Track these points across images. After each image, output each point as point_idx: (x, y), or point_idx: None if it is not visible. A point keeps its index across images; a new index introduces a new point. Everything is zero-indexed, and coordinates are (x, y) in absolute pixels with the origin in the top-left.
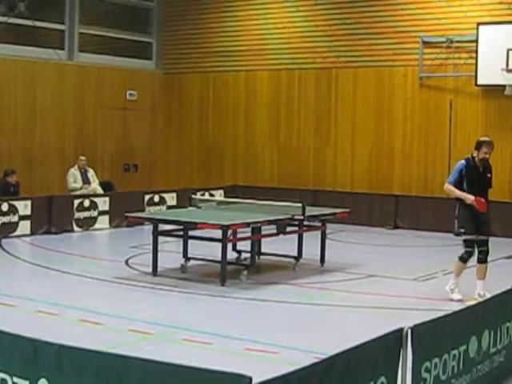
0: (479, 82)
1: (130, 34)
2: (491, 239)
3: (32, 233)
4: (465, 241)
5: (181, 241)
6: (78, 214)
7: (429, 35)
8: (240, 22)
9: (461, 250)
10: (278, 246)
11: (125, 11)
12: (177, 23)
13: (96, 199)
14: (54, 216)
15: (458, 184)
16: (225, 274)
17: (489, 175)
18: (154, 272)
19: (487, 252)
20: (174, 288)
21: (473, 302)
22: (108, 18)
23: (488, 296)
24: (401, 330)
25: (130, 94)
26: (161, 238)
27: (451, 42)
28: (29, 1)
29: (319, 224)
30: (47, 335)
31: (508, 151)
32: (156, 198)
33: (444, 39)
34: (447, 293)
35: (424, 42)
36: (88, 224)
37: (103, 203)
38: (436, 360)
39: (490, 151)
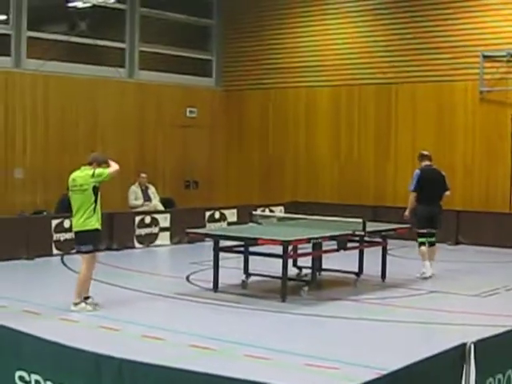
0: None
1: (190, 52)
2: None
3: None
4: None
5: (241, 257)
6: (139, 231)
7: (489, 49)
8: (300, 38)
9: None
10: (338, 262)
11: (185, 28)
12: (236, 40)
13: (157, 216)
14: (116, 232)
15: None
16: (285, 289)
17: None
18: (215, 288)
19: None
20: (235, 304)
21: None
22: (168, 35)
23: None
24: (464, 345)
25: (190, 112)
26: (221, 255)
27: (511, 55)
28: (90, 20)
29: (380, 240)
30: (109, 350)
31: None
32: (217, 215)
33: (504, 53)
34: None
35: (484, 57)
36: (149, 240)
37: (164, 220)
38: (499, 376)
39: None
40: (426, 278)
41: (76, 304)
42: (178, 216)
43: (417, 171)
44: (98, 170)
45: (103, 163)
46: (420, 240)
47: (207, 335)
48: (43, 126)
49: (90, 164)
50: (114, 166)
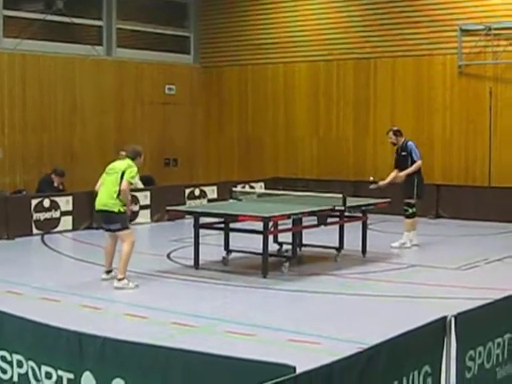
0: None
1: (168, 29)
2: None
3: (74, 228)
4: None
5: (222, 234)
6: None
7: (467, 23)
8: (277, 13)
9: None
10: (319, 237)
11: (162, 6)
12: (214, 16)
13: (137, 194)
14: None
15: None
16: (266, 266)
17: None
18: (196, 265)
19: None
20: (217, 281)
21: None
22: (145, 12)
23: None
24: (444, 318)
25: (169, 89)
26: (202, 231)
27: (489, 29)
28: None
29: (360, 214)
30: (92, 329)
31: None
32: (197, 192)
33: (482, 27)
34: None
35: (462, 30)
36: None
37: (144, 198)
38: (480, 348)
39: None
40: (406, 248)
41: (120, 280)
42: (158, 194)
43: (410, 142)
44: (132, 170)
45: (138, 156)
46: (414, 210)
47: (189, 312)
48: (21, 105)
49: (133, 159)
50: (126, 188)
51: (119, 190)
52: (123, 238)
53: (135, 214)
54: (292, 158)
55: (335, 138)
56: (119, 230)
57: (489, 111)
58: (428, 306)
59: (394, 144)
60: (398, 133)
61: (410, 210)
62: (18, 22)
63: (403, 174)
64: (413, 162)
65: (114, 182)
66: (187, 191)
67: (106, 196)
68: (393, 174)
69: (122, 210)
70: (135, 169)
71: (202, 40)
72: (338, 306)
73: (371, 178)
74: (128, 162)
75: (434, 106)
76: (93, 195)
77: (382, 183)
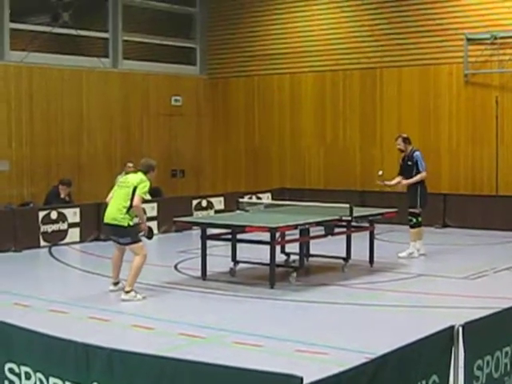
0: None
1: (174, 40)
2: None
3: (81, 240)
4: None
5: (229, 244)
6: None
7: (473, 32)
8: (284, 24)
9: None
10: (326, 247)
11: (168, 17)
12: (220, 28)
13: (144, 205)
14: (102, 223)
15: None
16: (274, 276)
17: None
18: (204, 276)
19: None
20: (224, 292)
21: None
22: (151, 24)
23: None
24: (452, 327)
25: (175, 100)
26: (209, 243)
27: (495, 38)
28: (73, 10)
29: (367, 224)
30: (99, 340)
31: None
32: (204, 203)
33: (488, 35)
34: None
35: (468, 39)
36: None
37: (151, 209)
38: (488, 358)
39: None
40: (413, 258)
41: (127, 292)
42: (165, 205)
43: (417, 152)
44: (144, 185)
45: (151, 170)
46: (419, 219)
47: (196, 323)
48: (28, 117)
49: (145, 173)
50: (138, 204)
51: (130, 205)
52: (136, 251)
53: (152, 232)
54: (299, 168)
55: (342, 148)
56: (130, 243)
57: (495, 120)
58: (436, 316)
59: (402, 151)
60: (406, 140)
61: (415, 220)
62: (24, 35)
63: (406, 182)
64: (418, 172)
65: (125, 196)
66: (194, 202)
67: (116, 210)
68: (398, 179)
69: (131, 223)
70: (147, 183)
71: (208, 51)
72: (346, 317)
73: (380, 172)
74: (141, 176)
75: (440, 115)
76: (100, 207)
77: (388, 182)
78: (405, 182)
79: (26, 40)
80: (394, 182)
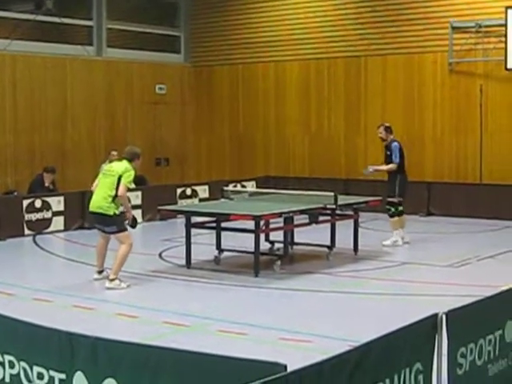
0: (509, 66)
1: (158, 28)
2: None
3: (65, 228)
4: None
5: (214, 233)
6: None
7: (458, 20)
8: (268, 12)
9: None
10: (310, 235)
11: (152, 5)
12: (204, 16)
13: (128, 194)
14: (87, 211)
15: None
16: (258, 264)
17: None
18: (188, 264)
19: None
20: (208, 280)
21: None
22: (135, 12)
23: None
24: (435, 315)
25: (160, 88)
26: (194, 231)
27: (480, 26)
28: None
29: (352, 213)
30: (83, 329)
31: None
32: (188, 191)
33: (473, 24)
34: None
35: (453, 28)
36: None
37: (135, 197)
38: (471, 345)
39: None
40: (398, 246)
41: (111, 280)
42: (150, 193)
43: (395, 143)
44: (129, 174)
45: (136, 158)
46: (398, 209)
47: (181, 312)
48: (12, 105)
49: (130, 160)
50: (124, 194)
51: (115, 194)
52: (121, 239)
53: (136, 220)
54: (283, 156)
55: (327, 136)
56: (116, 232)
57: (479, 108)
58: (419, 304)
59: (383, 140)
60: (388, 129)
61: (393, 209)
62: (7, 23)
63: (381, 168)
64: (391, 162)
65: (110, 185)
66: (179, 191)
67: (101, 199)
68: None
69: (117, 212)
70: (132, 172)
71: (192, 39)
72: (330, 304)
73: (365, 171)
74: (126, 164)
75: (424, 104)
76: (84, 195)
77: (371, 166)
78: (380, 167)
79: (9, 28)
80: (378, 166)
